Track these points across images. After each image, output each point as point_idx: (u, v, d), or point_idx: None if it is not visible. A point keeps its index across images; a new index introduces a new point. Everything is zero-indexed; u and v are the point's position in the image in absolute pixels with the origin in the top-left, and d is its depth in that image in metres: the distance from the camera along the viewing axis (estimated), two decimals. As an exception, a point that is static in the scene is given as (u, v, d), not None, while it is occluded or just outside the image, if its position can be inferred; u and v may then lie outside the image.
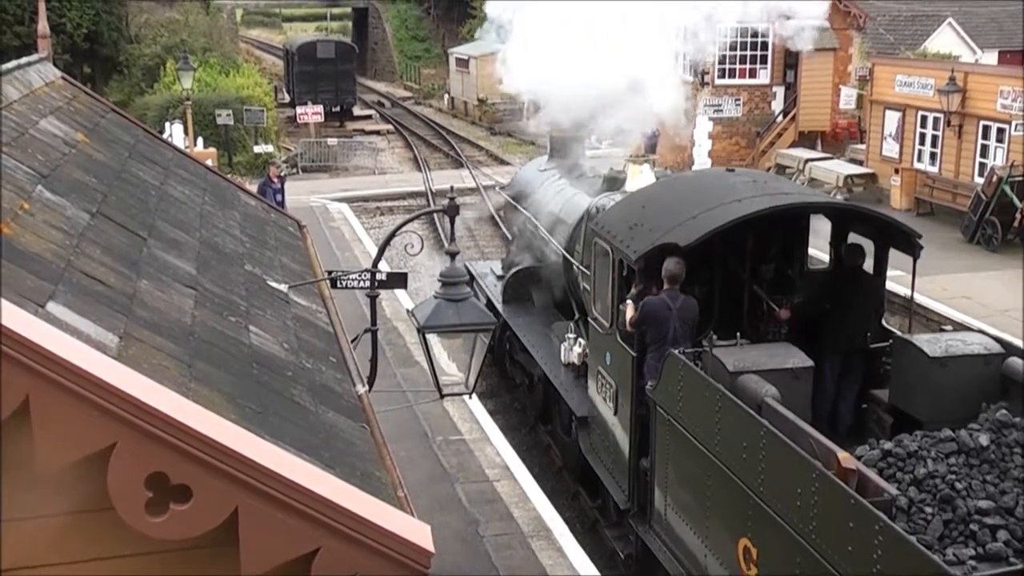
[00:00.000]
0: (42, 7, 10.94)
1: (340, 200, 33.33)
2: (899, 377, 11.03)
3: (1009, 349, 10.53)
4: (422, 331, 7.31)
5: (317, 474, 4.03)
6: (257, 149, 38.52)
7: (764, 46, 37.14)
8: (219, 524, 3.73)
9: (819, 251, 15.53)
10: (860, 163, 34.00)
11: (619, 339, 12.30)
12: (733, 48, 36.57)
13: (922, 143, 31.37)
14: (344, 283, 8.50)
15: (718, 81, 37.70)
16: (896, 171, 31.18)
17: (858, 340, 12.42)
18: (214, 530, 3.75)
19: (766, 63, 37.50)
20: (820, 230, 14.13)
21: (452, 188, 9.23)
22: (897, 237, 12.35)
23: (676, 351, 10.82)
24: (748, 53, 37.11)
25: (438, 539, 4.20)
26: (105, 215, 6.14)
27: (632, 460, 12.11)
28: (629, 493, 12.29)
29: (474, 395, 9.59)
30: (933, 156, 30.93)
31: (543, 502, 13.68)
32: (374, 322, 7.97)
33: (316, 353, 6.79)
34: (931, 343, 10.56)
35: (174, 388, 4.05)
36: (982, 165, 28.88)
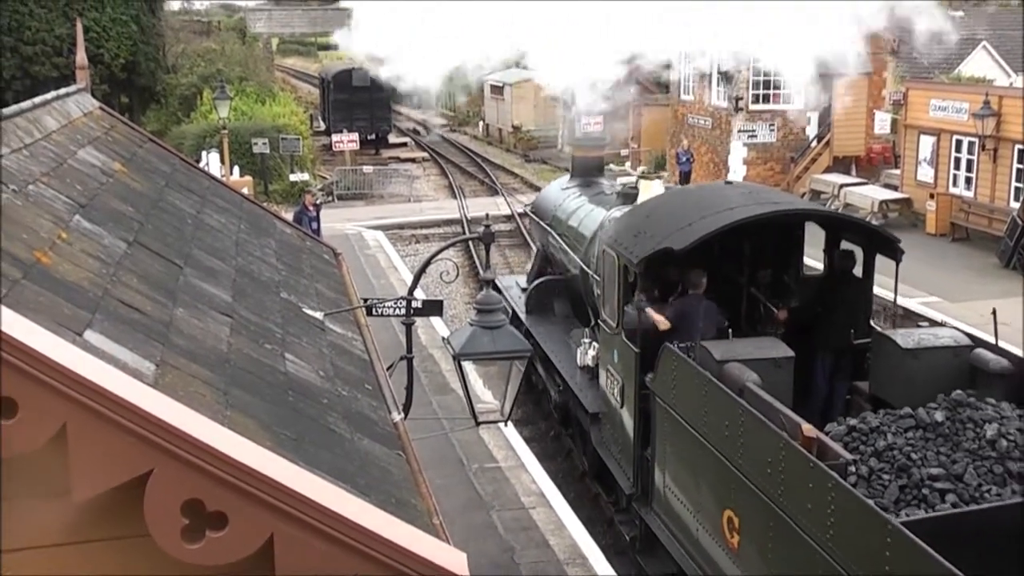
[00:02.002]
0: (80, 38, 11.09)
1: (375, 228, 33.43)
2: (877, 368, 11.90)
3: (976, 341, 11.39)
4: (458, 359, 7.31)
5: (352, 501, 4.02)
6: (293, 177, 38.74)
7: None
8: (255, 551, 3.74)
9: (817, 261, 15.91)
10: (895, 188, 33.80)
11: (624, 338, 13.14)
12: (767, 73, 36.42)
13: (957, 168, 31.15)
14: (380, 311, 8.50)
15: (752, 107, 37.62)
16: (931, 196, 30.95)
17: (845, 339, 13.18)
18: (249, 556, 3.75)
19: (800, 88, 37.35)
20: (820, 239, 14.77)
21: (487, 216, 9.26)
22: (882, 243, 13.19)
23: (671, 345, 11.68)
24: (783, 78, 36.91)
25: (474, 567, 4.18)
26: (142, 244, 6.19)
27: (636, 449, 12.93)
28: (633, 479, 13.09)
29: (509, 422, 9.59)
30: (968, 181, 30.69)
31: (579, 529, 13.63)
32: (410, 350, 7.99)
33: (352, 381, 6.80)
34: (905, 336, 11.48)
35: (210, 415, 4.06)
36: (1017, 189, 28.63)
